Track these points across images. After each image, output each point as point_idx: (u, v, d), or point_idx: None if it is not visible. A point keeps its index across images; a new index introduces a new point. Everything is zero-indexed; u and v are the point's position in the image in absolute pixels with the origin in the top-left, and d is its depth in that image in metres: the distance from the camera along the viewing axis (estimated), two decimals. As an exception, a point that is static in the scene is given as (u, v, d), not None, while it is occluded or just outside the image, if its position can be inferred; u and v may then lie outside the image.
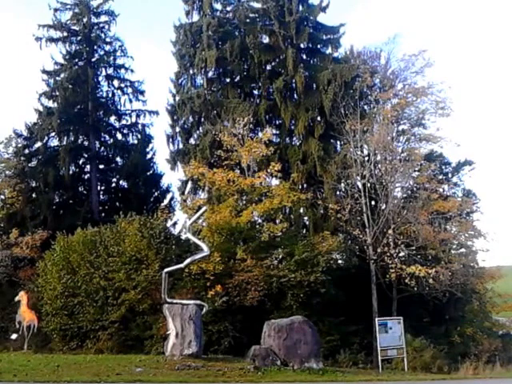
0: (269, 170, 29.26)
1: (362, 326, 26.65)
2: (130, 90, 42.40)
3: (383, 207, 28.44)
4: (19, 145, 39.90)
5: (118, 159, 41.69)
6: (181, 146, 36.51)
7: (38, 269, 28.03)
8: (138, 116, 41.97)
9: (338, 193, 30.48)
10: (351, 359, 24.29)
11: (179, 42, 38.27)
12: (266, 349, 19.97)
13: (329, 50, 36.32)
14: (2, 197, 37.92)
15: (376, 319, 25.17)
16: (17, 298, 25.64)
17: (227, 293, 24.16)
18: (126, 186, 40.63)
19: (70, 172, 39.15)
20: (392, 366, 24.16)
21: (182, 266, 22.05)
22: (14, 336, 25.13)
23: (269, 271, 25.18)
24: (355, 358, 24.58)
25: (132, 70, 42.76)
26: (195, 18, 38.13)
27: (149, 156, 40.93)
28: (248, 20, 37.05)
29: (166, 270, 21.41)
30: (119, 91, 42.67)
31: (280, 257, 26.69)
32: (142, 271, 24.65)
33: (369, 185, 28.88)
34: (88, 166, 41.06)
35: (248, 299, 24.17)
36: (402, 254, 27.75)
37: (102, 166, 41.14)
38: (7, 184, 37.21)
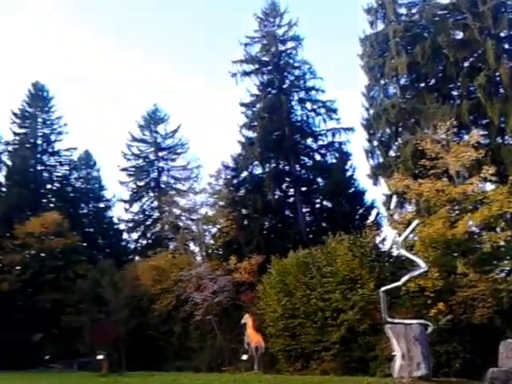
0: (481, 175, 26.76)
1: None
2: (323, 111, 43.22)
3: None
4: (228, 176, 43.30)
5: (319, 180, 42.54)
6: (381, 159, 35.74)
7: (257, 292, 29.60)
8: (333, 135, 42.50)
9: None
10: None
11: (366, 54, 37.77)
12: (506, 371, 18.00)
13: (535, 33, 32.44)
14: (218, 226, 41.31)
15: None
16: (243, 321, 27.41)
17: (451, 310, 22.52)
18: (329, 206, 41.11)
19: (276, 197, 41.11)
20: None
21: (399, 283, 21.11)
22: (244, 357, 26.85)
23: (496, 285, 22.85)
24: None
25: (323, 91, 43.62)
26: (380, 26, 37.41)
27: (349, 173, 40.92)
28: (436, 18, 35.00)
29: (382, 288, 20.72)
30: (313, 113, 43.77)
31: (508, 269, 24.09)
32: (358, 290, 24.33)
33: None
34: (292, 190, 42.66)
35: (476, 317, 22.18)
36: None
37: (304, 188, 42.33)
38: (221, 214, 40.47)
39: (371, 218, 38.15)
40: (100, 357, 31.05)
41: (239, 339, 28.24)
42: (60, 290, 39.30)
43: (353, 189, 40.37)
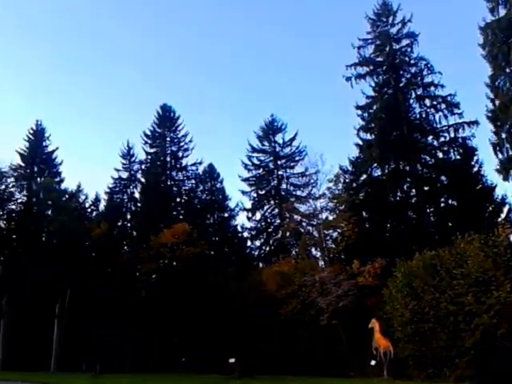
0: None
1: None
2: (443, 106, 41.29)
3: None
4: (347, 180, 42.93)
5: (443, 178, 40.58)
6: (510, 152, 33.35)
7: (383, 296, 28.94)
8: (456, 130, 40.37)
9: None
10: None
11: (487, 42, 35.62)
12: None
13: None
14: (339, 230, 41.06)
15: None
16: (370, 325, 27.00)
17: None
18: (455, 205, 39.06)
19: (397, 198, 40.00)
20: None
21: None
22: (372, 362, 26.40)
23: None
24: None
25: (442, 86, 41.74)
26: (501, 12, 35.10)
27: (475, 169, 38.62)
28: None
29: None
30: (432, 109, 41.97)
31: None
32: (493, 293, 22.84)
33: None
34: (413, 190, 41.20)
35: None
36: None
37: (426, 188, 40.66)
38: (342, 218, 40.19)
39: (503, 215, 35.69)
40: (231, 360, 31.98)
41: (366, 344, 27.80)
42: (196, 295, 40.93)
43: (480, 185, 37.97)
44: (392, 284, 28.19)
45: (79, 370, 35.26)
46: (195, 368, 35.56)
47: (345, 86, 44.93)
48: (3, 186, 50.61)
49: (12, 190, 51.19)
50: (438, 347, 24.20)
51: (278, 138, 55.66)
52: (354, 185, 42.80)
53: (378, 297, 30.13)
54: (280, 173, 54.81)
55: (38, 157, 53.65)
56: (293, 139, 55.12)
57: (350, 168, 43.15)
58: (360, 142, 43.78)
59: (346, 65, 44.95)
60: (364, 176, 43.17)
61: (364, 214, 41.47)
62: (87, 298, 40.91)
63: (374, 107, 44.49)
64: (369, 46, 45.43)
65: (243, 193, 54.09)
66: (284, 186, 54.41)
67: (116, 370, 33.76)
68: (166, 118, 57.42)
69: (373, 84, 44.84)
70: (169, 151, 56.77)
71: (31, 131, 54.25)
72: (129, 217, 54.58)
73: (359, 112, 44.54)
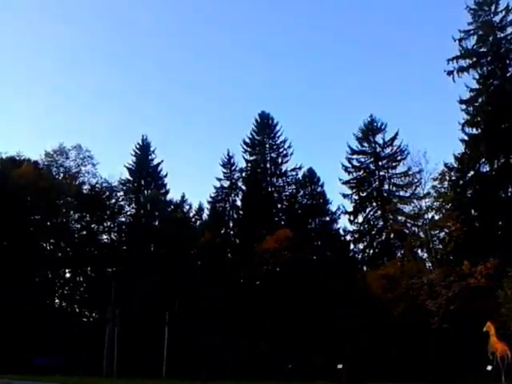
0: None
1: None
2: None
3: None
4: (453, 177, 40.86)
5: None
6: None
7: (497, 298, 27.16)
8: None
9: None
10: None
11: None
12: None
13: None
14: (446, 230, 39.11)
15: None
16: (484, 329, 25.39)
17: None
18: None
19: (509, 194, 37.36)
20: None
21: None
22: (489, 368, 24.77)
23: None
24: None
25: None
26: None
27: None
28: None
29: None
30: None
31: None
32: None
33: None
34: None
35: None
36: None
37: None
38: (449, 217, 38.28)
39: None
40: (339, 366, 31.26)
41: (481, 349, 26.12)
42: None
43: None
44: (508, 284, 26.46)
45: (188, 377, 36.16)
46: (301, 374, 35.42)
47: (446, 81, 43.31)
48: (113, 200, 54.22)
49: (122, 203, 54.66)
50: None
51: (378, 138, 54.28)
52: (461, 182, 40.78)
53: (492, 298, 28.39)
54: (381, 173, 53.33)
55: (145, 170, 56.66)
56: (393, 139, 53.46)
57: (455, 165, 41.22)
58: (465, 137, 41.84)
59: (447, 58, 43.26)
60: (471, 172, 41.04)
61: (473, 212, 39.27)
62: (194, 305, 42.29)
63: (479, 100, 42.39)
64: (471, 37, 43.53)
65: (344, 196, 53.29)
66: (386, 186, 52.83)
67: (220, 377, 34.32)
68: (265, 126, 58.28)
69: (477, 76, 42.90)
70: (268, 158, 57.48)
71: (138, 146, 57.39)
72: (231, 224, 55.82)
73: (463, 106, 42.67)
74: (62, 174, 55.96)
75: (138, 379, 31.67)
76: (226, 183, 56.59)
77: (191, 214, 54.66)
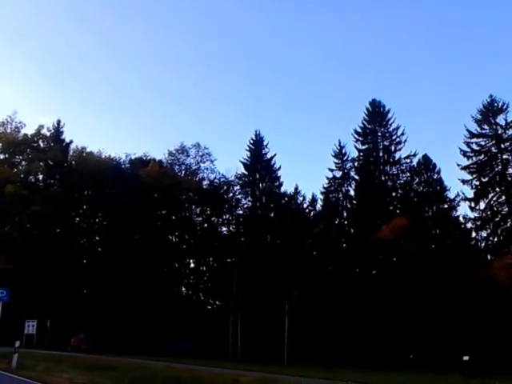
0: None
1: None
2: None
3: None
4: None
5: None
6: None
7: None
8: None
9: None
10: None
11: None
12: None
13: None
14: None
15: None
16: None
17: None
18: None
19: None
20: None
21: None
22: None
23: None
24: None
25: None
26: None
27: None
28: None
29: None
30: None
31: None
32: None
33: None
34: None
35: None
36: None
37: None
38: None
39: None
40: (466, 358, 30.09)
41: None
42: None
43: None
44: None
45: (308, 363, 36.81)
46: (423, 366, 34.68)
47: None
48: (231, 194, 56.73)
49: (238, 196, 57.05)
50: None
51: (500, 119, 50.81)
52: None
53: None
54: (505, 157, 49.94)
55: (259, 164, 58.41)
56: (517, 118, 49.95)
57: None
58: None
59: None
60: None
61: None
62: (313, 294, 43.03)
63: None
64: None
65: (463, 182, 50.69)
66: (511, 170, 49.57)
67: (343, 365, 34.41)
68: (376, 114, 57.10)
69: None
70: (381, 146, 56.26)
71: (251, 141, 59.20)
72: (345, 214, 55.70)
73: None
74: (183, 172, 59.78)
75: (265, 365, 32.95)
76: (339, 173, 56.40)
77: (305, 206, 55.46)
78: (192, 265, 56.92)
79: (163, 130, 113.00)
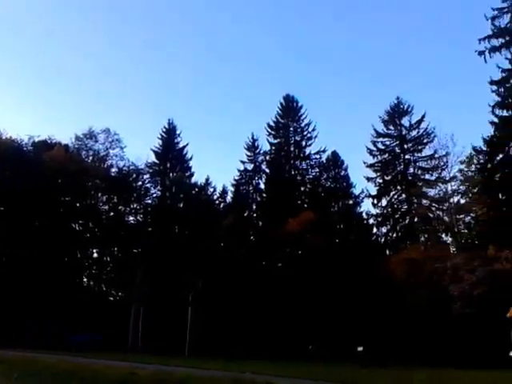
0: None
1: None
2: None
3: None
4: (481, 160, 40.16)
5: None
6: None
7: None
8: None
9: None
10: None
11: None
12: None
13: None
14: (472, 214, 38.64)
15: None
16: (508, 315, 25.16)
17: None
18: None
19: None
20: None
21: None
22: (511, 353, 24.54)
23: None
24: None
25: None
26: None
27: None
28: None
29: None
30: None
31: None
32: None
33: None
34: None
35: None
36: None
37: None
38: (476, 201, 37.80)
39: None
40: (360, 348, 31.39)
41: (503, 334, 25.90)
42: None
43: None
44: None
45: (210, 355, 36.54)
46: (322, 356, 35.58)
47: (476, 62, 42.38)
48: (140, 183, 55.01)
49: (148, 185, 55.48)
50: None
51: (405, 120, 53.34)
52: (489, 165, 39.98)
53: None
54: (407, 157, 52.51)
55: (171, 153, 57.11)
56: (420, 121, 52.46)
57: (484, 148, 40.40)
58: (495, 120, 40.87)
59: (479, 38, 42.06)
60: (500, 155, 40.19)
61: (500, 196, 38.54)
62: (217, 286, 42.75)
63: (511, 81, 41.33)
64: (504, 15, 42.19)
65: (368, 179, 52.76)
66: (411, 170, 52.00)
67: (242, 356, 34.60)
68: (290, 109, 57.81)
69: (509, 56, 41.65)
70: (292, 141, 57.10)
71: (164, 129, 57.76)
72: (254, 207, 55.96)
73: (494, 87, 41.59)
74: (91, 157, 57.03)
75: (165, 357, 32.26)
76: (250, 166, 56.57)
77: (215, 197, 54.93)
78: (95, 255, 54.58)
79: (70, 113, 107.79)
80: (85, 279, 53.84)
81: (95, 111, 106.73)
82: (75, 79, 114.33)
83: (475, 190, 39.32)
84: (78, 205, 54.06)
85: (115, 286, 52.85)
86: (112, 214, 54.69)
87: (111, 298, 53.46)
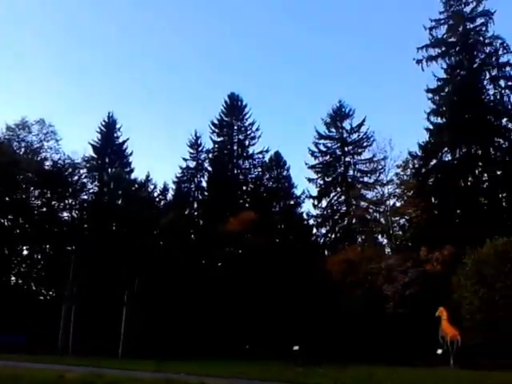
0: None
1: None
2: (519, 87, 38.87)
3: None
4: (416, 165, 41.47)
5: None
6: None
7: (451, 284, 27.76)
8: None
9: None
10: None
11: None
12: None
13: None
14: (407, 217, 39.79)
15: None
16: (437, 314, 25.96)
17: None
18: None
19: (468, 183, 38.18)
20: None
21: None
22: (439, 351, 25.43)
23: None
24: None
25: (519, 65, 39.17)
26: None
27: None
28: None
29: None
30: (507, 90, 39.88)
31: None
32: None
33: None
34: (485, 175, 39.11)
35: None
36: None
37: (499, 172, 38.46)
38: (410, 204, 38.96)
39: None
40: (295, 348, 31.63)
41: (433, 333, 26.75)
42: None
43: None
44: (461, 271, 27.09)
45: (145, 356, 35.73)
46: (259, 355, 35.61)
47: (415, 70, 43.86)
48: (76, 177, 52.94)
49: (84, 180, 53.47)
50: (509, 336, 22.88)
51: (346, 124, 54.36)
52: (424, 170, 41.45)
53: (446, 285, 28.93)
54: (347, 159, 53.51)
55: (110, 148, 55.54)
56: (361, 125, 53.63)
57: (419, 153, 41.86)
58: (430, 126, 42.50)
59: (417, 47, 43.73)
60: (434, 161, 41.74)
61: (433, 199, 39.98)
62: (155, 286, 41.88)
63: (446, 90, 43.03)
64: (441, 26, 44.18)
65: (309, 180, 53.35)
66: (351, 172, 53.03)
67: (179, 357, 34.13)
68: (234, 107, 57.56)
69: (445, 66, 43.61)
70: (236, 140, 56.89)
71: (103, 123, 56.12)
72: (196, 205, 55.42)
73: (430, 95, 43.25)
74: (23, 149, 54.25)
75: (96, 359, 31.17)
76: (192, 164, 56.00)
77: (155, 194, 53.86)
78: (25, 252, 52.07)
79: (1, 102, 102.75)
80: (13, 278, 51.22)
81: (29, 101, 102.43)
82: (7, 67, 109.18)
83: (410, 194, 40.50)
84: (7, 199, 51.39)
85: (46, 285, 50.60)
86: (45, 209, 52.19)
87: (41, 298, 51.12)
